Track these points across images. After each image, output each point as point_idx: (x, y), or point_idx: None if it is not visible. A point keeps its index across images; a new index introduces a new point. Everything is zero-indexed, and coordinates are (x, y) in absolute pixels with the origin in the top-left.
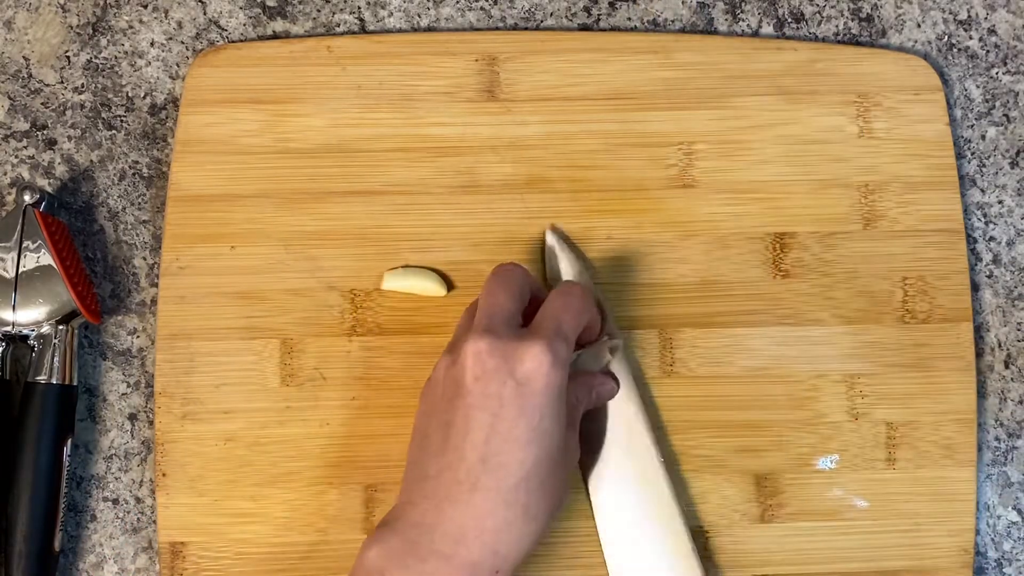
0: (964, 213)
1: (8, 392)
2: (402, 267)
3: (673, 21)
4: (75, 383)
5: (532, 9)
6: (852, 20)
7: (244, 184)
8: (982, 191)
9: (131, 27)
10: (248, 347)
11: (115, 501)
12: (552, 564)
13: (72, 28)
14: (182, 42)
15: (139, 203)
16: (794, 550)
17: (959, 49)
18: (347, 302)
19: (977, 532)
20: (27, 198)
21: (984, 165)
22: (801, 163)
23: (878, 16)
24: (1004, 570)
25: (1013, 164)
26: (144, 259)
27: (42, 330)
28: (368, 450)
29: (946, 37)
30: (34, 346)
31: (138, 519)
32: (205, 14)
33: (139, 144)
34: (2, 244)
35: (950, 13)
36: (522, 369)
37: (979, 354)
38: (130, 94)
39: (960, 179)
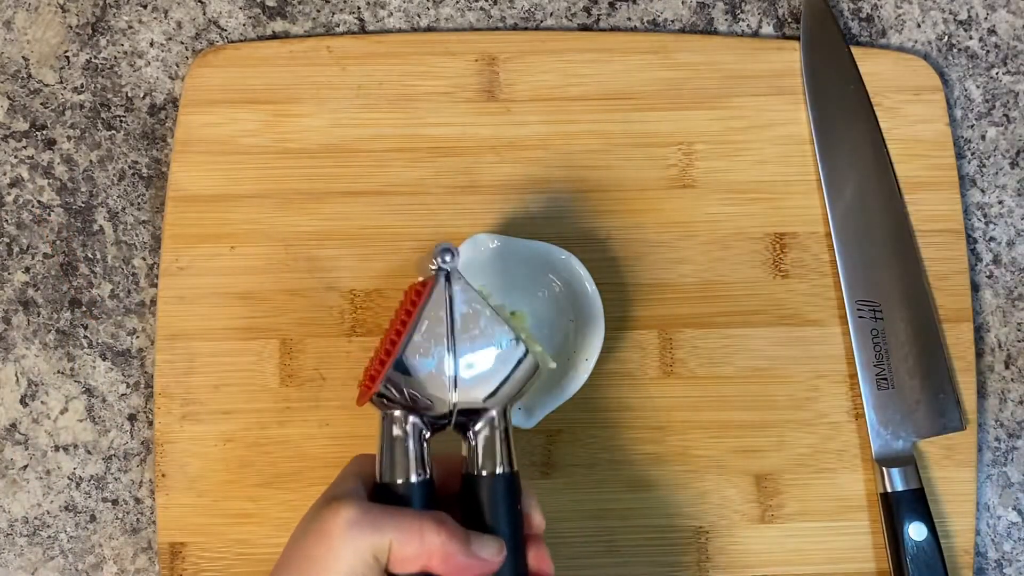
0: (964, 213)
1: None
2: None
3: (673, 21)
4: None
5: (532, 9)
6: (852, 20)
7: (244, 184)
8: (982, 191)
9: (131, 27)
10: (248, 347)
11: (115, 502)
12: (561, 565)
13: (71, 28)
14: (182, 42)
15: (139, 203)
16: (794, 550)
17: (959, 49)
18: (347, 302)
19: (977, 533)
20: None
21: (984, 165)
22: (801, 163)
23: (878, 16)
24: (1004, 571)
25: (1013, 164)
26: (144, 259)
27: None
28: (368, 450)
29: (946, 37)
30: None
31: (138, 519)
32: (205, 14)
33: (139, 144)
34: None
35: (950, 13)
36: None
37: (979, 354)
38: (129, 94)
39: (960, 179)
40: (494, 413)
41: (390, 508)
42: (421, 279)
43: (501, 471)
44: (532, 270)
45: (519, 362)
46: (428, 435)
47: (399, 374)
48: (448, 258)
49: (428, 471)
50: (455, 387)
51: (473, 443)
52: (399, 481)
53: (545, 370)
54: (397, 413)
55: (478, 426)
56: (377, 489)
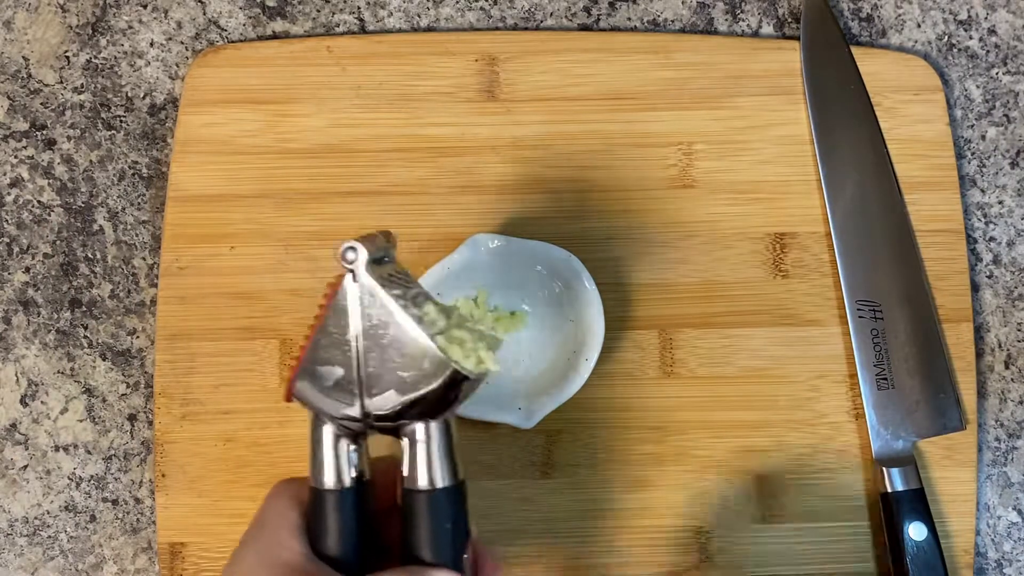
0: (964, 213)
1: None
2: None
3: (673, 21)
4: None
5: (532, 9)
6: (852, 20)
7: (244, 184)
8: (982, 191)
9: (131, 27)
10: (248, 347)
11: (115, 502)
12: (561, 565)
13: (72, 28)
14: (182, 42)
15: (139, 203)
16: (794, 550)
17: (959, 49)
18: None
19: (977, 533)
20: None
21: (984, 165)
22: (801, 163)
23: (878, 16)
24: (1004, 571)
25: (1013, 164)
26: (144, 259)
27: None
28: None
29: (946, 37)
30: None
31: (138, 520)
32: (205, 14)
33: (139, 144)
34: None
35: (950, 13)
36: None
37: (979, 355)
38: (130, 94)
39: (960, 179)
40: (422, 425)
41: None
42: (335, 276)
43: (430, 487)
44: (532, 270)
45: (438, 375)
46: (351, 443)
47: (307, 380)
48: (350, 256)
49: (357, 477)
50: (362, 397)
51: (403, 454)
52: (327, 487)
53: (486, 376)
54: (322, 416)
55: (406, 438)
56: (311, 494)
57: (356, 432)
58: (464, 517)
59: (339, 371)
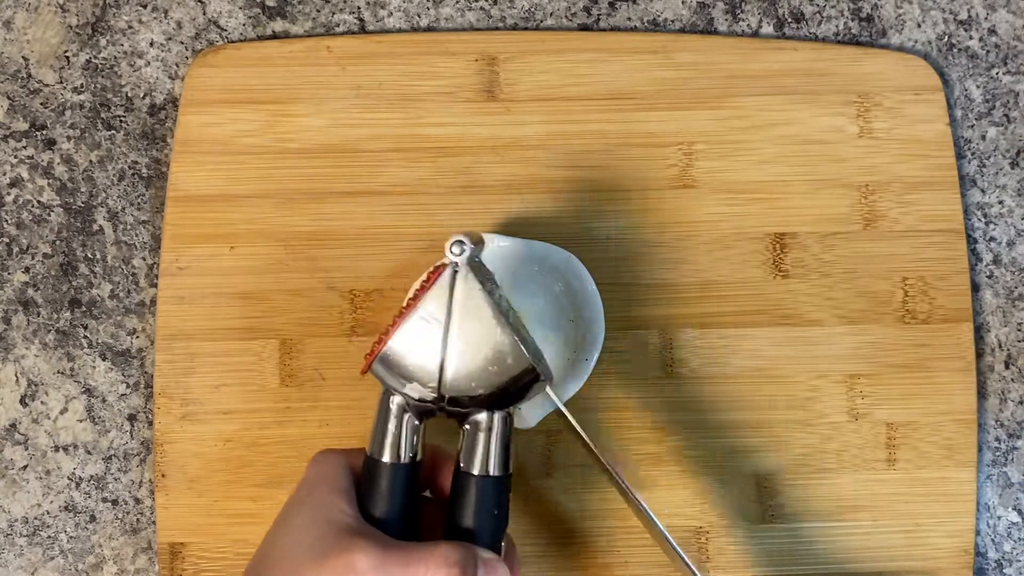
0: (964, 213)
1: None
2: None
3: (673, 21)
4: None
5: (532, 9)
6: (852, 20)
7: (243, 184)
8: (982, 191)
9: (130, 27)
10: (248, 347)
11: (114, 502)
12: (561, 565)
13: (71, 28)
14: (181, 42)
15: (139, 203)
16: (794, 551)
17: (959, 49)
18: (347, 302)
19: (977, 533)
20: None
21: (984, 165)
22: (801, 163)
23: (878, 16)
24: (1004, 571)
25: (1013, 164)
26: (144, 259)
27: None
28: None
29: (946, 37)
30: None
31: (137, 520)
32: (205, 14)
33: (138, 144)
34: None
35: (950, 13)
36: None
37: (979, 354)
38: (129, 94)
39: (960, 179)
40: (487, 415)
41: (402, 553)
42: (434, 266)
43: (484, 473)
44: (532, 270)
45: (517, 371)
46: (418, 420)
47: (391, 356)
48: (456, 250)
49: (414, 454)
50: (442, 381)
51: (463, 439)
52: (385, 460)
53: (547, 382)
54: (393, 392)
55: (469, 424)
56: (367, 464)
57: (422, 412)
58: (507, 506)
59: (425, 353)
